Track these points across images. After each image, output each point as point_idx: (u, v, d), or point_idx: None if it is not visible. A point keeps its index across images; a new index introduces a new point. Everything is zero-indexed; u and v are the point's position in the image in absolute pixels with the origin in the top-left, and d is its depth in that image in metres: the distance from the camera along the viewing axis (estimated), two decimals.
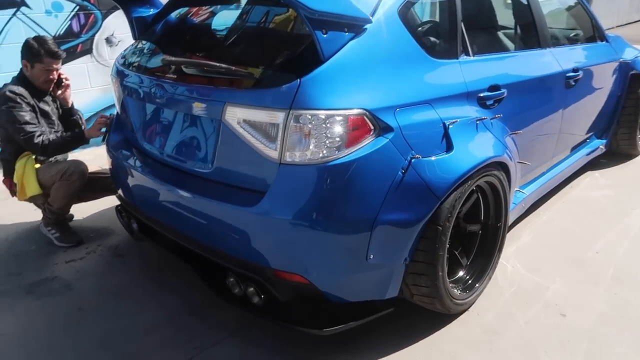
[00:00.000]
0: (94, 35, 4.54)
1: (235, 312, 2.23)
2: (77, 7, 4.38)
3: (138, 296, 2.43)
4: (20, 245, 2.97)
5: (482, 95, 2.21)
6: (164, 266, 2.66)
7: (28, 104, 2.75)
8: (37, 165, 2.83)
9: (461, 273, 2.30)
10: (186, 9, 2.61)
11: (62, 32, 4.34)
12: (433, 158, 1.90)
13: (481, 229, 2.39)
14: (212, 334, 2.15)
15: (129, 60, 2.41)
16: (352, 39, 1.79)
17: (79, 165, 2.81)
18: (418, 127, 1.89)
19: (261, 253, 1.86)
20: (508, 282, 2.51)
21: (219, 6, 2.57)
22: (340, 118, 1.72)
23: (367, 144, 1.77)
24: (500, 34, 2.95)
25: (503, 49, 2.86)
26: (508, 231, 2.85)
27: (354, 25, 1.79)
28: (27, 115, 2.72)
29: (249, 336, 2.14)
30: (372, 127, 1.78)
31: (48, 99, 2.92)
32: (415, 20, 2.19)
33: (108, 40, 4.63)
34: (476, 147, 2.07)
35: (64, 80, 2.93)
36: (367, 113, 1.76)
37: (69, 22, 4.37)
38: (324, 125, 1.71)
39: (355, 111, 1.74)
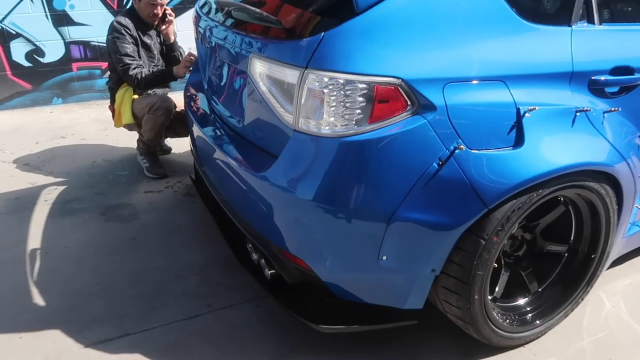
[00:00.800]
0: None
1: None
2: None
3: (186, 240, 2.45)
4: (118, 168, 3.22)
5: (598, 78, 1.63)
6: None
7: (132, 36, 2.87)
8: (135, 96, 2.97)
9: (521, 301, 1.83)
10: None
11: None
12: (487, 152, 1.46)
13: (568, 253, 1.86)
14: (230, 296, 2.06)
15: (203, 2, 2.31)
16: None
17: (166, 100, 2.89)
18: (475, 109, 1.45)
19: (268, 225, 1.67)
20: (597, 325, 1.94)
21: None
22: (363, 85, 1.39)
23: (397, 122, 1.42)
24: None
25: None
26: (626, 260, 2.22)
27: None
28: (129, 48, 2.84)
29: (262, 308, 2.01)
30: (407, 102, 1.41)
31: (152, 33, 3.01)
32: None
33: None
34: (561, 147, 1.55)
35: (168, 15, 2.99)
36: (403, 84, 1.39)
37: None
38: (342, 92, 1.40)
39: (387, 79, 1.39)
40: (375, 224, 1.48)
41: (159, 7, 2.91)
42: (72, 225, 2.58)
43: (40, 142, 3.62)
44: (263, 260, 1.82)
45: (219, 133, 2.02)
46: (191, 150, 2.57)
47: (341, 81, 1.39)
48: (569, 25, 1.61)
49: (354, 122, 1.43)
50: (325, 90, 1.41)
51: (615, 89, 1.68)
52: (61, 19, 4.17)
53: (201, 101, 2.31)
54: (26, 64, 4.20)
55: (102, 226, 2.58)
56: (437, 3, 1.45)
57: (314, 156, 1.49)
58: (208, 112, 2.21)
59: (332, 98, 1.41)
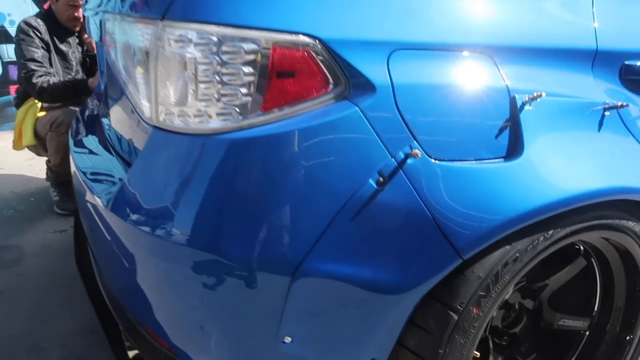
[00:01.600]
0: None
1: None
2: None
3: (72, 296, 1.82)
4: (24, 202, 2.63)
5: (634, 64, 1.08)
6: None
7: (42, 39, 2.35)
8: (40, 114, 2.42)
9: None
10: None
11: None
12: (463, 164, 0.88)
13: (590, 330, 1.24)
14: None
15: None
16: None
17: (70, 114, 2.32)
18: (442, 94, 0.88)
19: (119, 284, 1.07)
20: None
21: None
22: (252, 46, 0.82)
23: (310, 111, 0.85)
24: None
25: None
26: None
27: None
28: (37, 52, 2.32)
29: None
30: (328, 79, 0.84)
31: (72, 40, 2.50)
32: None
33: None
34: (583, 162, 0.96)
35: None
36: (321, 47, 0.83)
37: None
38: (217, 57, 0.83)
39: (293, 38, 0.83)
40: (271, 283, 0.87)
41: (79, 11, 2.41)
42: None
43: None
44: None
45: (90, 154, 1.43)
46: None
47: (214, 39, 0.83)
48: None
49: (236, 108, 0.85)
50: (190, 56, 0.85)
51: None
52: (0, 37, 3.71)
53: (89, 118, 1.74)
54: None
55: None
56: None
57: (174, 166, 0.91)
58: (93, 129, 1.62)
59: (202, 68, 0.84)
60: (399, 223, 0.86)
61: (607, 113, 1.00)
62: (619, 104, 1.00)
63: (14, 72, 3.82)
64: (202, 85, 0.86)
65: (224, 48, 0.83)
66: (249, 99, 0.85)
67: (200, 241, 0.86)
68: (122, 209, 0.95)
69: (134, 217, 0.93)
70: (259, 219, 0.85)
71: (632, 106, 1.03)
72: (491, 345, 1.13)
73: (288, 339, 0.89)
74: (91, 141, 1.45)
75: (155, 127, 0.94)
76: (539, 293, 1.19)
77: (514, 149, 0.90)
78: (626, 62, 1.07)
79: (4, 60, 3.77)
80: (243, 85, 0.84)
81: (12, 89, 3.84)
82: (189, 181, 0.88)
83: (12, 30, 3.70)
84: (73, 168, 1.38)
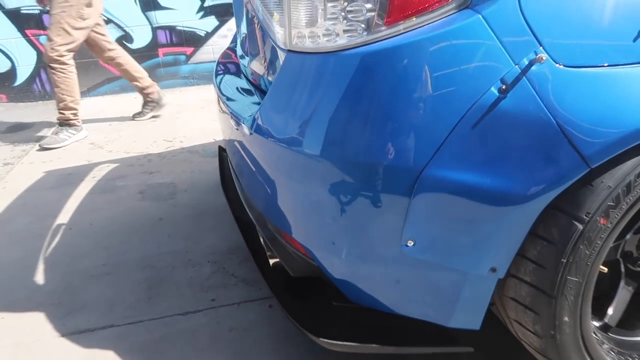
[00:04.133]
0: None
1: None
2: None
3: (218, 224, 2.07)
4: (175, 150, 2.99)
5: None
6: None
7: None
8: None
9: None
10: None
11: None
12: (593, 70, 0.85)
13: None
14: (241, 292, 1.63)
15: None
16: None
17: None
18: None
19: (262, 197, 1.21)
20: None
21: None
22: None
23: (432, 23, 0.88)
24: None
25: None
26: None
27: None
28: None
29: (276, 309, 1.54)
30: None
31: None
32: None
33: None
34: None
35: None
36: None
37: None
38: None
39: None
40: (395, 189, 0.94)
41: None
42: (106, 202, 2.35)
43: (112, 124, 3.55)
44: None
45: (233, 89, 1.60)
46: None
47: None
48: None
49: (361, 24, 0.91)
50: None
51: None
52: (149, 4, 4.14)
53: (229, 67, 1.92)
54: None
55: (135, 204, 2.31)
56: None
57: (306, 84, 1.01)
58: (234, 73, 1.80)
59: None
60: (522, 131, 0.86)
61: None
62: None
63: (162, 37, 4.26)
64: (329, 4, 0.93)
65: None
66: (373, 14, 0.90)
67: (333, 150, 0.95)
68: (264, 128, 1.08)
69: (274, 134, 1.05)
70: (385, 127, 0.91)
71: None
72: (623, 270, 1.09)
73: (410, 243, 0.96)
74: (232, 79, 1.62)
75: (289, 50, 1.04)
76: None
77: None
78: None
79: (154, 25, 4.21)
80: (367, 1, 0.90)
81: (161, 52, 4.30)
82: (321, 96, 0.97)
83: None
84: (220, 105, 1.57)
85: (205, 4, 4.22)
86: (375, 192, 0.95)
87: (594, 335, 1.01)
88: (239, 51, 1.67)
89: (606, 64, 0.85)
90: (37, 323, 1.58)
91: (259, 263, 1.44)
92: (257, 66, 1.36)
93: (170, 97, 4.15)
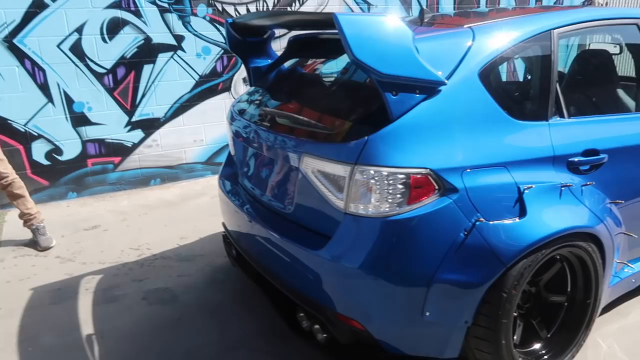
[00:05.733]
0: (233, 75, 5.14)
1: (305, 347, 2.38)
2: (222, 51, 5.01)
3: (228, 316, 2.70)
4: (148, 257, 3.48)
5: (573, 160, 2.09)
6: (257, 292, 2.91)
7: None
8: None
9: (537, 345, 2.17)
10: (295, 60, 2.89)
11: (207, 72, 4.99)
12: (501, 222, 1.86)
13: (567, 302, 2.23)
14: None
15: (240, 105, 2.74)
16: (423, 100, 1.86)
17: None
18: (487, 189, 1.87)
19: (323, 294, 1.99)
20: None
21: (318, 60, 2.81)
22: (402, 176, 1.79)
23: (429, 203, 1.82)
24: (613, 92, 2.73)
25: (612, 110, 2.65)
26: (615, 307, 2.60)
27: (427, 88, 1.86)
28: None
29: None
30: (436, 187, 1.82)
31: None
32: (500, 80, 2.16)
33: (244, 80, 5.20)
34: (555, 215, 1.97)
35: None
36: (432, 173, 1.80)
37: (214, 64, 5.02)
38: (386, 182, 1.80)
39: (419, 170, 1.80)
40: (420, 286, 1.83)
41: None
42: (117, 310, 2.80)
43: (65, 235, 3.85)
44: (317, 326, 2.10)
45: (264, 217, 2.36)
46: (226, 233, 2.88)
47: (385, 173, 1.80)
48: (547, 120, 2.10)
49: (396, 204, 1.81)
50: (372, 181, 1.81)
51: (587, 167, 2.14)
52: (79, 120, 4.55)
53: (240, 192, 2.67)
54: (45, 162, 4.50)
55: (148, 309, 2.80)
56: (449, 110, 1.90)
57: (364, 233, 1.86)
58: (248, 200, 2.56)
59: (378, 186, 1.81)
60: (476, 252, 1.82)
61: (563, 188, 2.01)
62: (568, 183, 2.01)
63: (91, 149, 4.65)
64: (377, 194, 1.82)
65: (389, 178, 1.79)
66: (402, 199, 1.81)
67: (387, 270, 1.81)
68: (335, 257, 1.89)
69: (343, 259, 1.87)
70: (412, 255, 1.80)
71: (574, 183, 2.04)
72: (517, 313, 2.10)
73: (428, 313, 1.84)
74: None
75: (346, 213, 1.89)
76: (539, 283, 2.16)
77: (523, 212, 1.89)
78: (570, 159, 2.08)
79: (84, 139, 4.60)
80: (399, 193, 1.81)
81: (90, 162, 4.67)
82: (371, 242, 1.83)
83: (91, 115, 4.57)
84: (248, 225, 2.31)
85: (133, 119, 4.78)
86: (409, 287, 1.82)
87: (514, 349, 1.99)
88: (249, 181, 2.45)
89: (506, 219, 1.87)
90: None
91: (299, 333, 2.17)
92: (275, 194, 2.15)
93: (102, 204, 4.53)
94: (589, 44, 3.45)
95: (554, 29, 2.20)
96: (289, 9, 5.20)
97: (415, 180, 1.80)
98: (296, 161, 2.07)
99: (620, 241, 2.31)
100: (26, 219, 3.71)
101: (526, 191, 1.91)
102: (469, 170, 1.85)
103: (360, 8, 5.58)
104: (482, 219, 1.83)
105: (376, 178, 1.81)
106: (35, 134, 4.41)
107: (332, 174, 1.93)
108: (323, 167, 1.96)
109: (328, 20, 1.81)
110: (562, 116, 2.15)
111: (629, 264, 2.46)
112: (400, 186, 1.80)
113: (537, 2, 6.88)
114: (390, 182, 1.80)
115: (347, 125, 1.96)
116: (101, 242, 3.72)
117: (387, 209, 1.82)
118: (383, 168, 1.80)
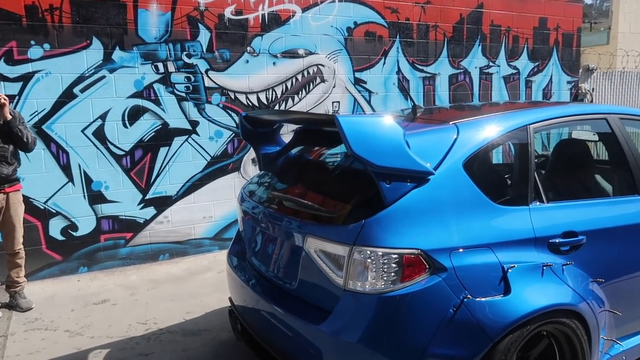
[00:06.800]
0: (242, 157, 5.48)
1: None
2: (233, 135, 5.39)
3: None
4: (154, 331, 3.59)
5: (553, 241, 2.29)
6: None
7: None
8: None
9: None
10: (301, 147, 3.18)
11: (219, 154, 5.33)
12: (487, 299, 2.03)
13: None
14: None
15: (250, 188, 3.00)
16: (414, 187, 2.09)
17: None
18: (473, 269, 2.06)
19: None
20: None
21: (324, 149, 3.10)
22: (395, 256, 1.99)
23: (421, 281, 2.00)
24: (591, 177, 2.98)
25: (588, 194, 2.89)
26: None
27: (417, 177, 2.11)
28: None
29: None
30: (426, 266, 2.01)
31: None
32: (483, 169, 2.42)
33: (253, 161, 5.52)
34: (537, 293, 2.14)
35: (1, 99, 3.64)
36: (423, 253, 2.00)
37: (226, 146, 5.37)
38: (381, 261, 2.00)
39: (411, 250, 2.00)
40: (413, 359, 1.96)
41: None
42: None
43: (75, 309, 3.98)
44: None
45: (269, 293, 2.52)
46: (232, 308, 3.02)
47: (380, 253, 2.00)
48: (527, 205, 2.32)
49: (390, 282, 2.00)
50: (369, 260, 2.01)
51: (567, 248, 2.33)
52: (96, 198, 4.82)
53: (247, 268, 2.85)
54: (60, 237, 4.71)
55: None
56: (437, 197, 2.14)
57: (362, 309, 2.03)
58: (255, 274, 2.73)
59: (374, 265, 2.00)
60: (465, 328, 1.98)
61: (544, 268, 2.20)
62: (549, 263, 2.20)
63: (105, 225, 4.89)
64: (374, 273, 2.00)
65: (384, 257, 1.99)
66: (395, 277, 1.99)
67: (384, 342, 1.96)
68: (335, 332, 2.04)
69: (343, 333, 2.02)
70: (406, 329, 1.96)
71: (555, 263, 2.23)
72: None
73: None
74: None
75: (345, 289, 2.06)
76: (529, 358, 2.28)
77: (507, 290, 2.06)
78: (549, 240, 2.28)
79: (99, 216, 4.85)
80: (393, 272, 1.99)
81: (102, 237, 4.90)
82: (368, 317, 1.99)
83: (107, 194, 4.85)
84: (256, 301, 2.47)
85: (147, 197, 5.05)
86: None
87: None
88: (256, 258, 2.64)
89: (492, 295, 2.04)
90: None
91: None
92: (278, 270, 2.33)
93: (112, 279, 4.69)
94: (570, 133, 3.76)
95: (530, 124, 2.49)
96: (296, 97, 5.64)
97: (407, 260, 2.00)
98: (300, 241, 2.28)
99: (606, 319, 2.45)
100: (14, 286, 3.97)
101: (510, 270, 2.09)
102: (456, 250, 2.05)
103: (362, 95, 6.03)
104: (469, 295, 2.00)
105: (372, 257, 2.00)
106: (54, 211, 4.66)
107: (333, 254, 2.13)
108: (325, 247, 2.16)
109: (330, 121, 2.09)
110: (541, 201, 2.38)
111: (618, 342, 2.57)
112: (394, 265, 1.99)
113: (527, 89, 7.38)
114: (385, 261, 1.99)
115: (347, 209, 2.19)
116: (110, 316, 3.84)
117: (382, 286, 2.00)
118: (378, 249, 2.00)
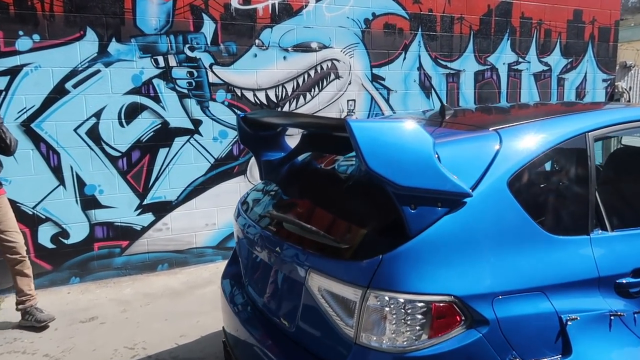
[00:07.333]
0: (249, 159, 5.05)
1: None
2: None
3: None
4: (142, 357, 3.19)
5: (622, 281, 1.81)
6: None
7: None
8: None
9: None
10: (309, 154, 2.73)
11: (223, 155, 4.91)
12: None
13: None
14: None
15: (247, 202, 2.56)
16: (446, 213, 1.63)
17: None
18: (523, 321, 1.59)
19: None
20: None
21: (336, 156, 2.63)
22: (422, 304, 1.53)
23: (454, 337, 1.54)
24: None
25: None
26: None
27: (450, 200, 1.64)
28: None
29: None
30: (462, 318, 1.55)
31: None
32: (532, 189, 1.93)
33: None
34: (607, 353, 1.66)
35: None
36: (457, 300, 1.54)
37: (230, 147, 4.95)
38: (403, 310, 1.54)
39: (442, 297, 1.54)
40: None
41: None
42: None
43: (59, 328, 3.60)
44: None
45: (265, 331, 2.08)
46: (225, 339, 2.59)
47: (401, 300, 1.54)
48: (587, 234, 1.84)
49: (414, 337, 1.54)
50: (387, 309, 1.55)
51: (637, 289, 1.85)
52: (90, 203, 4.44)
53: (241, 295, 2.41)
54: (50, 245, 4.35)
55: None
56: (475, 226, 1.67)
57: None
58: (250, 305, 2.29)
59: (394, 316, 1.55)
60: None
61: (612, 318, 1.71)
62: (617, 312, 1.72)
63: (99, 232, 4.51)
64: (393, 325, 1.55)
65: (407, 306, 1.53)
66: (421, 331, 1.54)
67: None
68: None
69: None
70: None
71: (624, 312, 1.74)
72: None
73: None
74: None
75: (356, 343, 1.61)
76: None
77: (567, 350, 1.59)
78: (618, 281, 1.80)
79: (92, 222, 4.48)
80: (418, 325, 1.54)
81: (96, 245, 4.52)
82: None
83: (101, 198, 4.47)
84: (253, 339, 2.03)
85: (144, 202, 4.65)
86: None
87: None
88: (252, 287, 2.21)
89: (546, 358, 1.57)
90: None
91: None
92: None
93: (104, 291, 4.31)
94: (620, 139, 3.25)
95: (589, 131, 2.00)
96: (308, 94, 5.19)
97: (437, 310, 1.54)
98: (302, 276, 1.83)
99: None
100: (27, 299, 3.63)
101: (569, 323, 1.62)
102: (500, 297, 1.59)
103: (380, 93, 5.55)
104: (517, 358, 1.53)
105: (392, 305, 1.55)
106: (43, 217, 4.29)
107: (342, 297, 1.68)
108: (331, 287, 1.71)
109: (340, 126, 1.64)
110: (604, 229, 1.89)
111: None
112: (419, 316, 1.53)
113: (559, 87, 6.81)
114: (409, 311, 1.54)
115: (359, 239, 1.74)
116: (95, 338, 3.45)
117: (404, 343, 1.55)
118: (400, 294, 1.55)
